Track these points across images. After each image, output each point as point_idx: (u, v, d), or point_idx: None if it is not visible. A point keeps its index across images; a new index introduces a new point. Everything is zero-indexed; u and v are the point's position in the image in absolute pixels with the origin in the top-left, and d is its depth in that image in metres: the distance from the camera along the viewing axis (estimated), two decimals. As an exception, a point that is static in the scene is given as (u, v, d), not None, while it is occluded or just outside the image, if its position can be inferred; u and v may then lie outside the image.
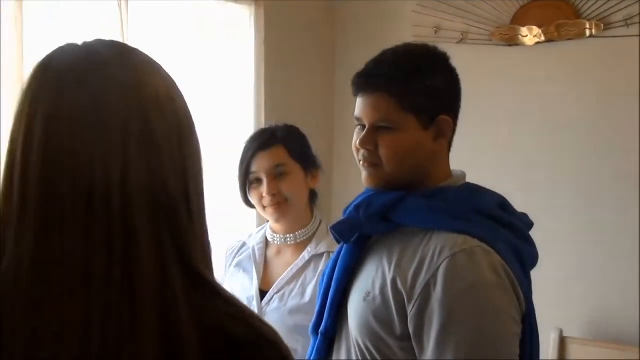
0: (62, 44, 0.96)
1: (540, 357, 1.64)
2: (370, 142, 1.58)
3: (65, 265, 0.83)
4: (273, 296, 2.20)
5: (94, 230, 0.83)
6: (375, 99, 1.57)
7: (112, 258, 0.83)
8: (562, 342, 3.00)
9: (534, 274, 1.66)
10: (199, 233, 0.93)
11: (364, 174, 1.63)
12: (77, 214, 0.84)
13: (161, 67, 1.00)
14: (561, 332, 3.00)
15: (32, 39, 2.48)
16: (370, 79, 1.59)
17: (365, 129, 1.59)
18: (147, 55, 1.00)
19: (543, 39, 3.14)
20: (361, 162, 1.62)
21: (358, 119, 1.62)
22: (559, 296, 3.08)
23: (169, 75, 1.00)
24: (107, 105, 0.87)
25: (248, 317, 0.92)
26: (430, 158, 1.60)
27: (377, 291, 1.55)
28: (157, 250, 0.86)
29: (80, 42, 0.94)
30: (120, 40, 2.65)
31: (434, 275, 1.47)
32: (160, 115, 0.92)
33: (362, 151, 1.60)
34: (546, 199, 3.17)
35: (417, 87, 1.56)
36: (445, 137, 1.60)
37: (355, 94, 1.62)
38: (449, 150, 1.66)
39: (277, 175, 2.20)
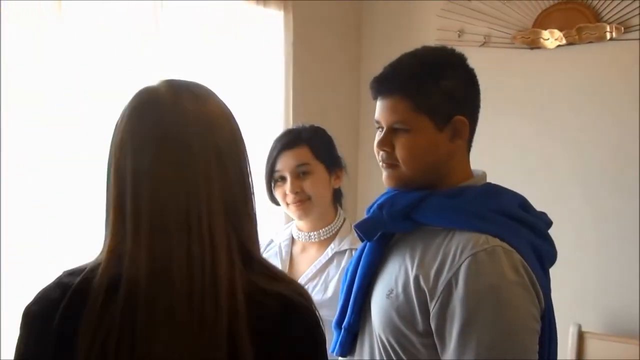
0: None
1: (559, 352, 1.61)
2: (387, 143, 1.57)
3: (173, 253, 1.12)
4: None
5: (191, 231, 1.13)
6: (391, 101, 1.56)
7: (203, 246, 1.13)
8: (581, 336, 2.96)
9: (553, 270, 1.63)
10: (252, 227, 1.24)
11: (383, 174, 1.62)
12: (179, 221, 1.13)
13: (216, 95, 1.27)
14: (580, 327, 2.96)
15: (72, 39, 2.49)
16: (386, 83, 1.58)
17: (383, 131, 1.58)
18: (205, 88, 1.27)
19: (564, 42, 3.09)
20: (381, 163, 1.61)
21: (377, 122, 1.61)
22: (578, 292, 3.04)
23: (221, 100, 1.28)
24: (192, 142, 1.17)
25: (288, 280, 1.23)
26: (447, 158, 1.57)
27: (400, 289, 1.53)
28: (227, 241, 1.16)
29: (158, 84, 1.23)
30: (155, 40, 2.67)
31: (456, 274, 1.45)
32: (225, 137, 1.22)
33: (381, 152, 1.59)
34: (566, 197, 3.12)
35: (431, 89, 1.54)
36: (462, 137, 1.57)
37: (374, 98, 1.62)
38: (468, 150, 1.63)
39: (300, 174, 2.19)
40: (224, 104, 1.26)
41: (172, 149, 1.15)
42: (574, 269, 3.00)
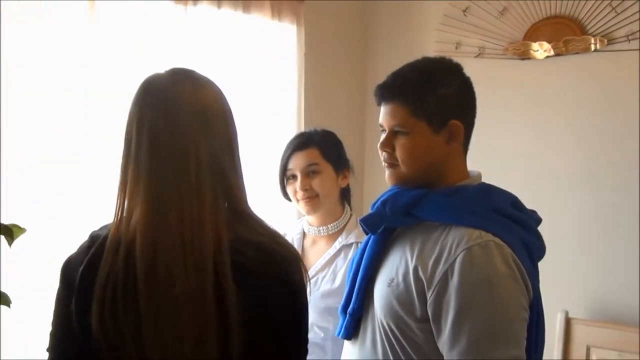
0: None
1: (548, 337, 1.61)
2: (388, 145, 1.60)
3: (166, 199, 1.20)
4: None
5: (182, 181, 1.20)
6: (391, 107, 1.59)
7: (191, 202, 1.19)
8: (568, 322, 2.95)
9: (544, 260, 1.64)
10: (238, 179, 1.30)
11: (386, 173, 1.64)
12: (171, 179, 1.20)
13: (211, 81, 1.34)
14: (567, 313, 2.95)
15: (102, 38, 2.50)
16: (387, 90, 1.61)
17: (385, 134, 1.60)
18: (199, 75, 1.33)
19: (552, 53, 3.09)
20: (383, 163, 1.63)
21: (380, 125, 1.63)
22: (565, 280, 3.04)
23: (215, 84, 1.33)
24: (184, 111, 1.24)
25: (276, 235, 1.28)
26: (443, 159, 1.59)
27: (400, 278, 1.55)
28: (213, 196, 1.22)
29: (164, 71, 1.32)
30: (177, 43, 2.69)
31: (452, 266, 1.46)
32: (209, 101, 1.28)
33: (383, 153, 1.62)
34: (552, 192, 3.11)
35: (428, 95, 1.55)
36: (457, 140, 1.58)
37: (378, 103, 1.64)
38: (465, 152, 1.64)
39: (309, 173, 2.22)
40: (218, 89, 1.33)
41: (166, 112, 1.23)
42: (561, 259, 3.00)
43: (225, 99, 1.33)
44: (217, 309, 1.15)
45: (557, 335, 2.93)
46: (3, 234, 1.18)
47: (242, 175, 1.32)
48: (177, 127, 1.22)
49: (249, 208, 1.29)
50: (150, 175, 1.21)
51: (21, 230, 1.32)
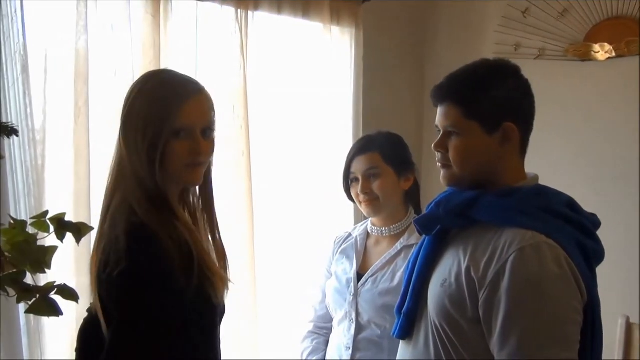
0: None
1: (608, 342, 1.59)
2: (442, 145, 1.60)
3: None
4: (367, 279, 2.24)
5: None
6: (445, 108, 1.59)
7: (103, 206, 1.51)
8: (629, 328, 2.87)
9: (604, 264, 1.61)
10: (134, 187, 1.48)
11: (440, 173, 1.64)
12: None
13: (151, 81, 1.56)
14: (628, 318, 2.87)
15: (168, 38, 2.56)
16: (441, 92, 1.61)
17: (440, 135, 1.60)
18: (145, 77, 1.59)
19: (614, 54, 3.03)
20: (438, 163, 1.64)
21: (436, 126, 1.64)
22: (626, 285, 2.97)
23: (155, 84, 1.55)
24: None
25: (191, 231, 1.52)
26: (496, 161, 1.58)
27: (453, 279, 1.55)
28: (107, 202, 1.51)
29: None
30: (238, 48, 2.73)
31: (503, 266, 1.46)
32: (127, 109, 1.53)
33: (437, 153, 1.62)
34: (615, 199, 3.04)
35: (481, 97, 1.55)
36: (512, 142, 1.57)
37: (434, 105, 1.64)
38: (522, 154, 1.62)
39: (370, 176, 2.25)
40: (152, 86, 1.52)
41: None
42: (623, 264, 2.93)
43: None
44: None
45: (618, 341, 2.86)
46: (71, 232, 1.23)
47: (139, 180, 1.50)
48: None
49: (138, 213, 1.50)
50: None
51: (88, 228, 1.37)
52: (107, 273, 1.38)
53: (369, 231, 2.36)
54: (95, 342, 1.44)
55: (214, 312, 1.55)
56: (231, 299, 2.67)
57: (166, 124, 1.46)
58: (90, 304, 1.52)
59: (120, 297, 1.40)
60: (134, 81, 1.59)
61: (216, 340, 1.59)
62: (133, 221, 1.43)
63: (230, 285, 1.60)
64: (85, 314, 1.62)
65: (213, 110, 1.58)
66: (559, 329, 1.43)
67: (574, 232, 1.54)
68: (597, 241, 1.61)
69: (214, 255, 1.61)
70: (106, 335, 1.41)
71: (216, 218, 1.68)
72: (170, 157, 1.49)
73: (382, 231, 2.31)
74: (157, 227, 1.43)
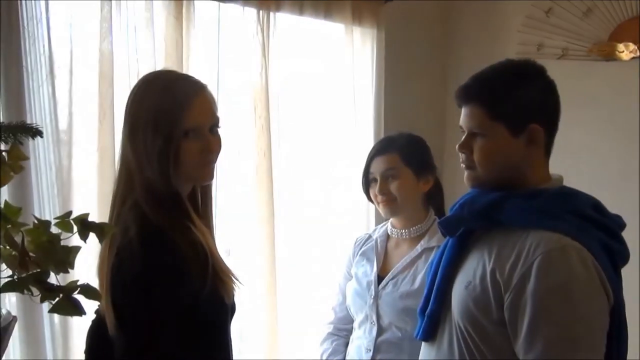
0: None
1: (632, 345, 1.57)
2: (466, 146, 1.59)
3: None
4: (388, 282, 2.23)
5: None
6: (470, 109, 1.58)
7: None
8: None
9: (628, 266, 1.59)
10: (143, 185, 1.48)
11: (464, 175, 1.62)
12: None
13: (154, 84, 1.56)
14: (653, 321, 2.82)
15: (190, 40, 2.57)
16: (466, 92, 1.60)
17: (464, 135, 1.59)
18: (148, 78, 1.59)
19: (638, 54, 2.99)
20: (462, 164, 1.62)
21: (460, 127, 1.62)
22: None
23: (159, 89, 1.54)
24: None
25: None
26: (522, 162, 1.56)
27: (478, 281, 1.54)
28: (121, 201, 1.51)
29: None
30: (260, 49, 2.73)
31: (529, 269, 1.44)
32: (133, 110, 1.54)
33: (461, 154, 1.60)
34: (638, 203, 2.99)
35: (506, 98, 1.53)
36: (537, 143, 1.54)
37: (458, 106, 1.63)
38: (547, 155, 1.60)
39: (388, 177, 2.24)
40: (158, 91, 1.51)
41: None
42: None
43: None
44: None
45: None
46: (94, 232, 1.23)
47: (152, 179, 1.50)
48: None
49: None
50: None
51: (111, 228, 1.37)
52: (121, 277, 1.39)
53: (389, 233, 2.35)
54: (104, 344, 1.45)
55: (226, 312, 1.55)
56: (251, 300, 2.72)
57: (176, 126, 1.46)
58: (98, 305, 1.50)
59: (134, 302, 1.39)
60: (135, 85, 1.58)
61: (228, 339, 1.59)
62: (146, 224, 1.42)
63: (239, 284, 1.59)
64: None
65: (216, 105, 1.58)
66: (586, 333, 1.42)
67: (600, 234, 1.52)
68: (622, 242, 1.59)
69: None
70: (114, 338, 1.41)
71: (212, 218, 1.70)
72: (182, 158, 1.49)
73: (402, 233, 2.29)
74: (171, 230, 1.43)
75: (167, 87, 1.52)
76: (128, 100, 1.55)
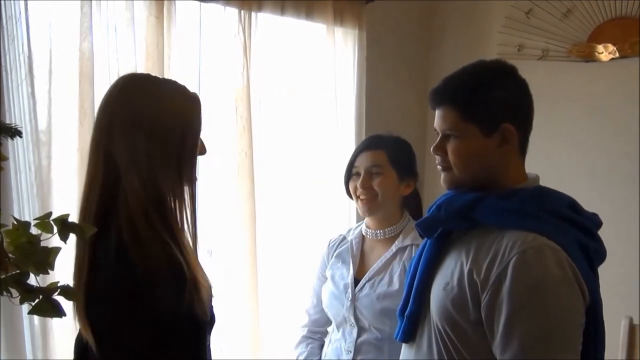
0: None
1: (610, 344, 1.59)
2: (441, 148, 1.60)
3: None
4: (365, 284, 2.22)
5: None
6: (443, 111, 1.59)
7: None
8: (632, 329, 2.86)
9: (606, 265, 1.60)
10: (135, 188, 1.41)
11: (441, 176, 1.64)
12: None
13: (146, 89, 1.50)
14: (631, 319, 2.87)
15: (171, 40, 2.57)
16: (438, 95, 1.61)
17: (438, 137, 1.60)
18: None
19: (618, 55, 3.02)
20: (438, 166, 1.64)
21: (435, 129, 1.63)
22: (629, 286, 2.96)
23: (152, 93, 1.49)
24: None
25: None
26: (496, 162, 1.57)
27: (455, 281, 1.55)
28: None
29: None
30: (241, 49, 2.73)
31: (505, 268, 1.45)
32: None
33: (436, 156, 1.62)
34: (618, 199, 3.03)
35: (478, 99, 1.54)
36: (511, 143, 1.56)
37: (432, 108, 1.64)
38: (521, 155, 1.61)
39: (372, 173, 2.24)
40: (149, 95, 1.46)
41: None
42: (626, 264, 2.92)
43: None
44: None
45: (621, 342, 2.86)
46: (74, 233, 1.23)
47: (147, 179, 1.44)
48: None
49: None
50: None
51: (91, 229, 1.37)
52: (97, 292, 1.37)
53: (364, 234, 2.35)
54: (92, 352, 1.43)
55: (204, 327, 1.51)
56: (233, 301, 2.73)
57: (197, 139, 1.49)
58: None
59: (111, 318, 1.37)
60: (134, 83, 1.51)
61: (206, 353, 1.55)
62: (125, 239, 1.38)
63: (213, 292, 1.55)
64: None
65: None
66: (562, 331, 1.43)
67: (576, 233, 1.53)
68: (599, 241, 1.60)
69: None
70: (96, 353, 1.38)
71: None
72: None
73: (376, 234, 2.30)
74: (150, 245, 1.38)
75: (190, 98, 1.50)
76: (125, 95, 1.47)
